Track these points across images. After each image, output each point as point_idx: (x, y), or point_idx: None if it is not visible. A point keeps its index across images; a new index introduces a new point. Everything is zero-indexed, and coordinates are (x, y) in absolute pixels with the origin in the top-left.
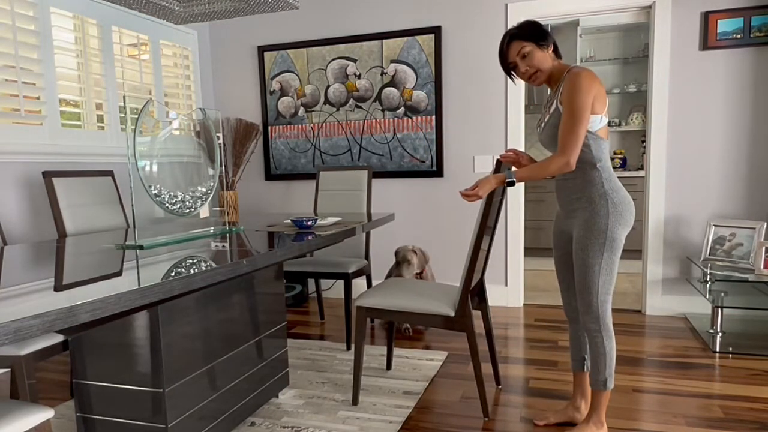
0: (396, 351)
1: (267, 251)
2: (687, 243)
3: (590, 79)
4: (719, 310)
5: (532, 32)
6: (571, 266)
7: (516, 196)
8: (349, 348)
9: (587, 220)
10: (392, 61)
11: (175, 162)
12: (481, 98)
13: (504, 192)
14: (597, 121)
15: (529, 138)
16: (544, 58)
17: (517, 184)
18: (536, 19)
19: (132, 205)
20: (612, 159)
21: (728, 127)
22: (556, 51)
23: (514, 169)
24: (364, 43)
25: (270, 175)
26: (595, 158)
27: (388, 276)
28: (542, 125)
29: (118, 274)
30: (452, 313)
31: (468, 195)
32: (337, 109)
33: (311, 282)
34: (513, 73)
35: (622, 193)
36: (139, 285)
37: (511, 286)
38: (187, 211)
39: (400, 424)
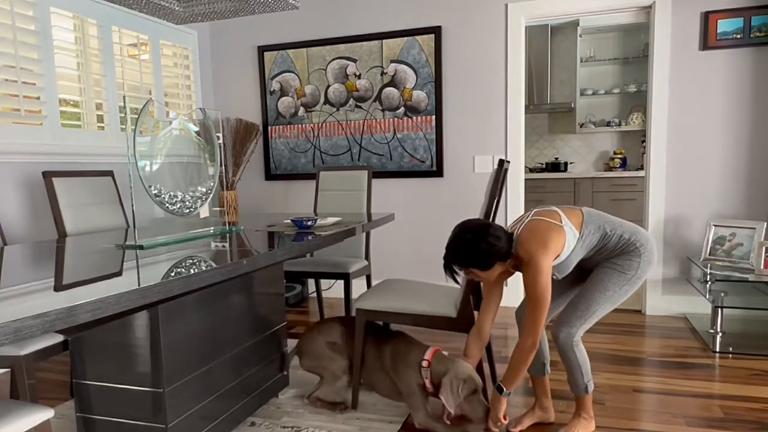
0: None
1: (267, 251)
2: (687, 243)
3: (542, 256)
4: (719, 310)
5: (475, 261)
6: (576, 284)
7: (516, 196)
8: None
9: (622, 261)
10: (392, 61)
11: (175, 162)
12: (481, 98)
13: (502, 191)
14: (571, 237)
15: (528, 138)
16: (488, 275)
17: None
18: (539, 19)
19: (132, 205)
20: (612, 159)
21: (728, 127)
22: (506, 255)
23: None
24: (364, 43)
25: (270, 175)
26: (602, 236)
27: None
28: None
29: (118, 274)
30: (454, 314)
31: (496, 423)
32: (337, 109)
33: (311, 282)
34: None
35: (642, 233)
36: (139, 285)
37: (511, 286)
38: (187, 211)
39: (400, 424)
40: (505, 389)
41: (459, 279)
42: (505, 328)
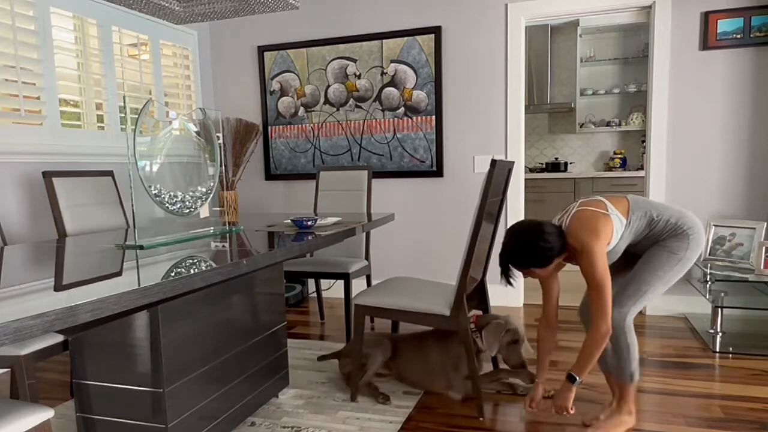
0: None
1: (267, 251)
2: None
3: (594, 242)
4: (719, 310)
5: (534, 261)
6: (625, 270)
7: (516, 196)
8: None
9: (671, 243)
10: (392, 61)
11: (175, 162)
12: (481, 98)
13: (504, 191)
14: (618, 224)
15: (528, 138)
16: (547, 271)
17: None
18: (539, 19)
19: (132, 205)
20: (612, 159)
21: (728, 127)
22: (561, 249)
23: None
24: (364, 43)
25: (270, 175)
26: (649, 222)
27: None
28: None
29: (118, 274)
30: (447, 313)
31: (560, 413)
32: (337, 109)
33: (311, 282)
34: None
35: (688, 216)
36: (139, 285)
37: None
38: (187, 211)
39: (400, 424)
40: (577, 378)
41: (513, 281)
42: None
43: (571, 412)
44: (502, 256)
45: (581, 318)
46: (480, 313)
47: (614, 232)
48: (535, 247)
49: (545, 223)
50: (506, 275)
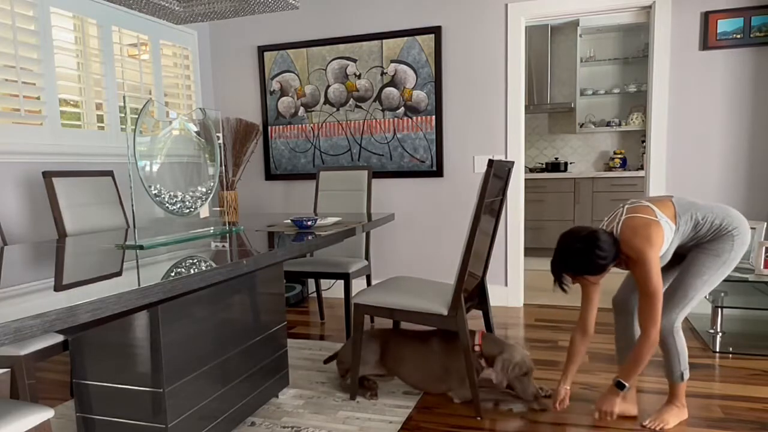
0: None
1: (267, 251)
2: None
3: (649, 251)
4: (719, 310)
5: (589, 269)
6: (670, 270)
7: (516, 196)
8: None
9: (715, 246)
10: (392, 61)
11: (175, 162)
12: (481, 98)
13: (504, 191)
14: (668, 230)
15: (529, 138)
16: (599, 278)
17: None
18: (539, 19)
19: (132, 205)
20: (612, 159)
21: (728, 127)
22: (615, 257)
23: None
24: (364, 43)
25: (270, 175)
26: (695, 225)
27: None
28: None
29: (118, 274)
30: (445, 312)
31: (605, 417)
32: (337, 109)
33: (311, 282)
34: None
35: (733, 215)
36: (139, 285)
37: (511, 286)
38: (187, 211)
39: (400, 424)
40: (626, 385)
41: (567, 288)
42: (505, 327)
43: (615, 417)
44: (555, 263)
45: (615, 308)
46: (483, 329)
47: (665, 238)
48: (591, 255)
49: (599, 230)
50: (560, 282)
